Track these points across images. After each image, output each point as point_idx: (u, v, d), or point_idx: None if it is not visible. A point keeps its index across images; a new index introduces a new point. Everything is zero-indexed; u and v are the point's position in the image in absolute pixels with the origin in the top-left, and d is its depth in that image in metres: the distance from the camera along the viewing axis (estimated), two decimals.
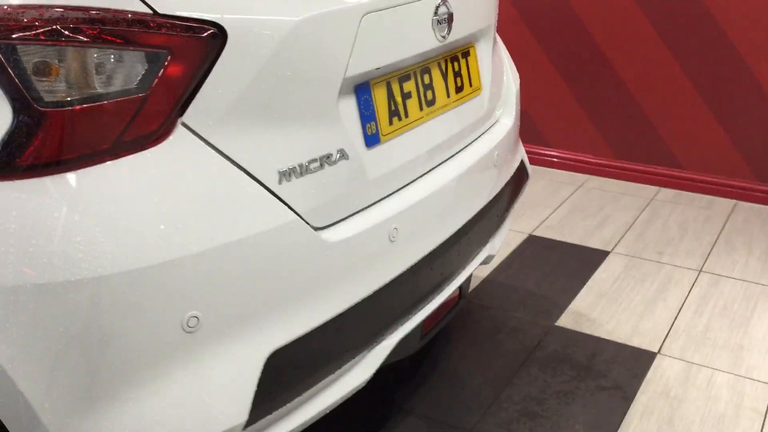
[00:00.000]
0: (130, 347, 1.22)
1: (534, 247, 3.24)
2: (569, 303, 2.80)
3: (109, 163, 1.20)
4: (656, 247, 3.24)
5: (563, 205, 3.69)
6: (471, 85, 1.96)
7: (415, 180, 1.72)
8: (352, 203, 1.53)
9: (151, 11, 1.23)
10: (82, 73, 1.17)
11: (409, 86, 1.71)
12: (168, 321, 1.23)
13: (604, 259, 3.14)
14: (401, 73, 1.68)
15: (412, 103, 1.72)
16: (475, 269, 2.15)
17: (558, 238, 3.31)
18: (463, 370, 2.40)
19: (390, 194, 1.63)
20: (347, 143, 1.50)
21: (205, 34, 1.26)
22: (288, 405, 1.45)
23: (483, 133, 2.03)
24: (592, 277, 2.99)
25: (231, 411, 1.32)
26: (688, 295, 2.86)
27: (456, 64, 1.90)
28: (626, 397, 2.29)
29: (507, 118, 2.18)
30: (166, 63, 1.23)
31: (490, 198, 2.02)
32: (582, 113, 4.02)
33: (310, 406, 1.53)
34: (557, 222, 3.48)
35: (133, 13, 1.21)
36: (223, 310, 1.29)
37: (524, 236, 3.34)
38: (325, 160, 1.45)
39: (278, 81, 1.35)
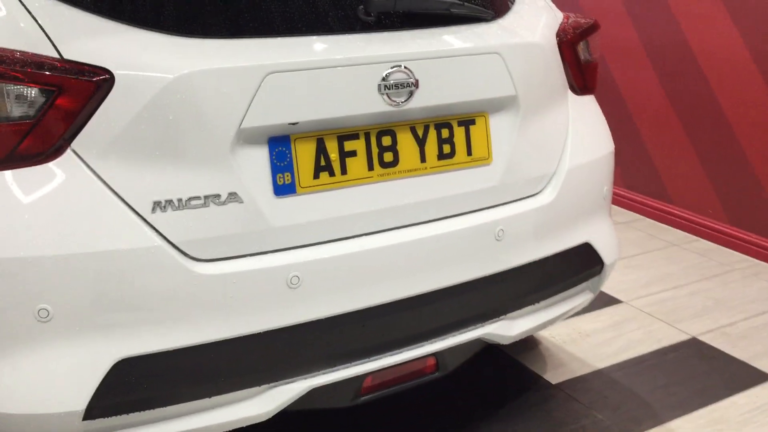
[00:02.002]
0: None
1: (686, 351, 2.85)
2: (669, 420, 2.44)
3: (2, 171, 1.51)
4: None
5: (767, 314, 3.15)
6: (470, 154, 1.90)
7: (356, 236, 1.75)
8: (246, 244, 1.63)
9: (58, 55, 1.51)
10: None
11: (355, 145, 1.75)
12: (21, 307, 1.50)
13: (760, 384, 2.64)
14: (343, 132, 1.73)
15: (356, 162, 1.75)
16: (472, 347, 2.04)
17: (724, 349, 2.86)
18: None
19: (306, 244, 1.69)
20: (242, 188, 1.62)
21: (96, 78, 1.51)
22: (145, 413, 1.61)
23: (492, 206, 1.94)
24: (725, 400, 2.55)
25: (71, 398, 1.53)
26: None
27: (446, 130, 1.87)
28: None
29: (547, 195, 2.04)
30: (54, 98, 1.50)
31: (486, 274, 1.93)
32: None
33: (181, 421, 1.66)
34: (741, 331, 3.00)
35: (37, 55, 1.50)
36: (75, 309, 1.51)
37: (685, 337, 2.95)
38: (212, 199, 1.59)
39: (160, 124, 1.53)
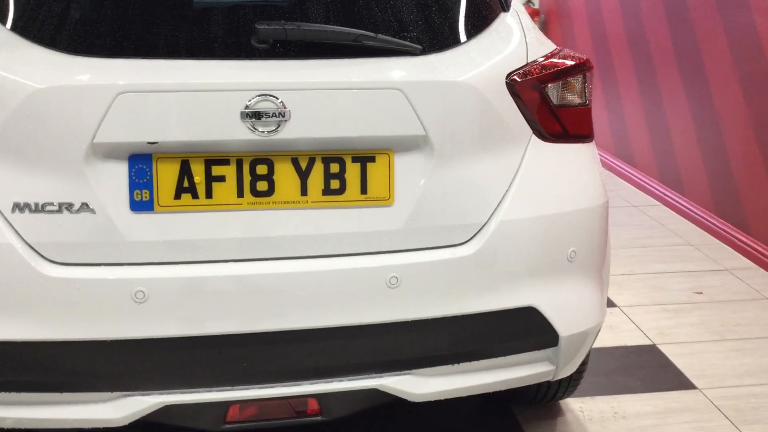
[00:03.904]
0: None
1: None
2: None
3: None
4: None
5: None
6: (365, 193, 1.79)
7: (217, 261, 1.75)
8: (96, 254, 1.71)
9: None
10: None
11: (224, 170, 1.74)
12: None
13: None
14: (211, 156, 1.73)
15: (223, 187, 1.74)
16: (369, 397, 1.89)
17: None
18: None
19: (158, 262, 1.73)
20: (95, 200, 1.69)
21: None
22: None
23: (387, 251, 1.81)
24: None
25: None
26: None
27: (336, 165, 1.78)
28: None
29: (470, 247, 1.85)
30: None
31: (376, 322, 1.80)
32: None
33: (30, 409, 1.77)
34: None
35: None
36: None
37: None
38: (66, 207, 1.69)
39: (22, 132, 1.67)
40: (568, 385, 2.41)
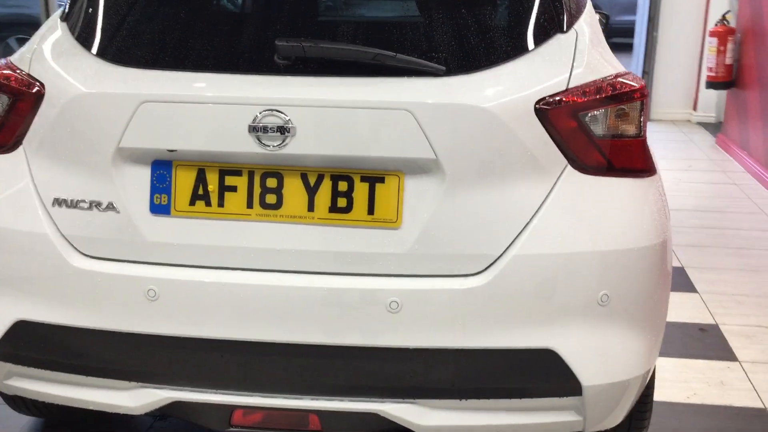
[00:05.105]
0: None
1: None
2: None
3: None
4: None
5: None
6: (372, 214, 1.76)
7: (223, 268, 1.80)
8: (118, 250, 1.83)
9: (27, 69, 1.91)
10: None
11: (236, 181, 1.78)
12: None
13: None
14: (225, 166, 1.78)
15: (234, 198, 1.78)
16: (372, 421, 1.85)
17: None
18: None
19: (170, 263, 1.81)
20: (119, 200, 1.81)
21: (34, 89, 1.87)
22: (39, 369, 1.92)
23: (390, 274, 1.77)
24: None
25: None
26: None
27: (344, 184, 1.76)
28: None
29: (480, 279, 1.76)
30: (9, 103, 1.90)
31: (375, 345, 1.77)
32: None
33: (65, 388, 1.93)
34: None
35: (14, 68, 1.92)
36: None
37: None
38: (95, 205, 1.83)
39: (63, 134, 1.83)
40: None
